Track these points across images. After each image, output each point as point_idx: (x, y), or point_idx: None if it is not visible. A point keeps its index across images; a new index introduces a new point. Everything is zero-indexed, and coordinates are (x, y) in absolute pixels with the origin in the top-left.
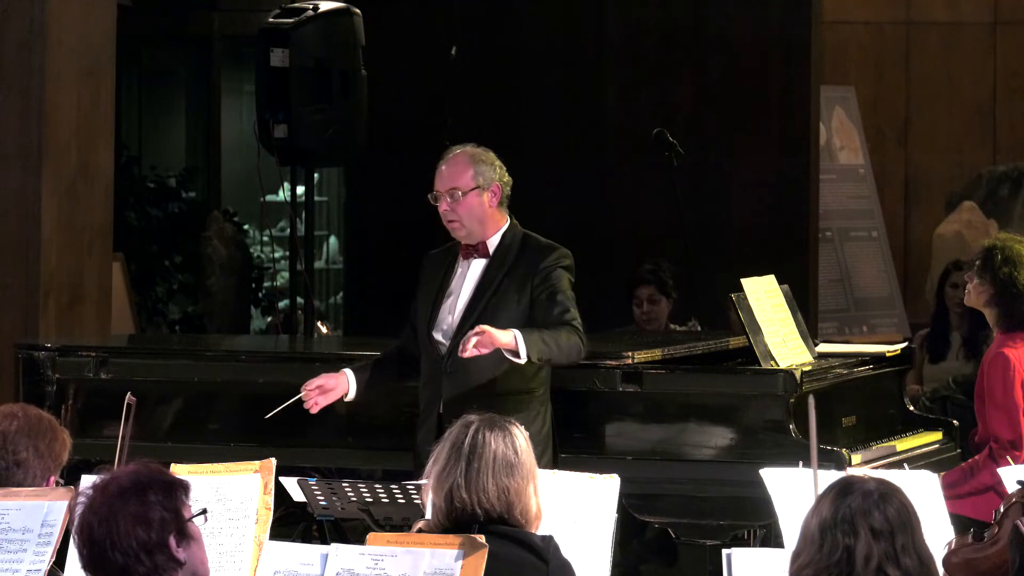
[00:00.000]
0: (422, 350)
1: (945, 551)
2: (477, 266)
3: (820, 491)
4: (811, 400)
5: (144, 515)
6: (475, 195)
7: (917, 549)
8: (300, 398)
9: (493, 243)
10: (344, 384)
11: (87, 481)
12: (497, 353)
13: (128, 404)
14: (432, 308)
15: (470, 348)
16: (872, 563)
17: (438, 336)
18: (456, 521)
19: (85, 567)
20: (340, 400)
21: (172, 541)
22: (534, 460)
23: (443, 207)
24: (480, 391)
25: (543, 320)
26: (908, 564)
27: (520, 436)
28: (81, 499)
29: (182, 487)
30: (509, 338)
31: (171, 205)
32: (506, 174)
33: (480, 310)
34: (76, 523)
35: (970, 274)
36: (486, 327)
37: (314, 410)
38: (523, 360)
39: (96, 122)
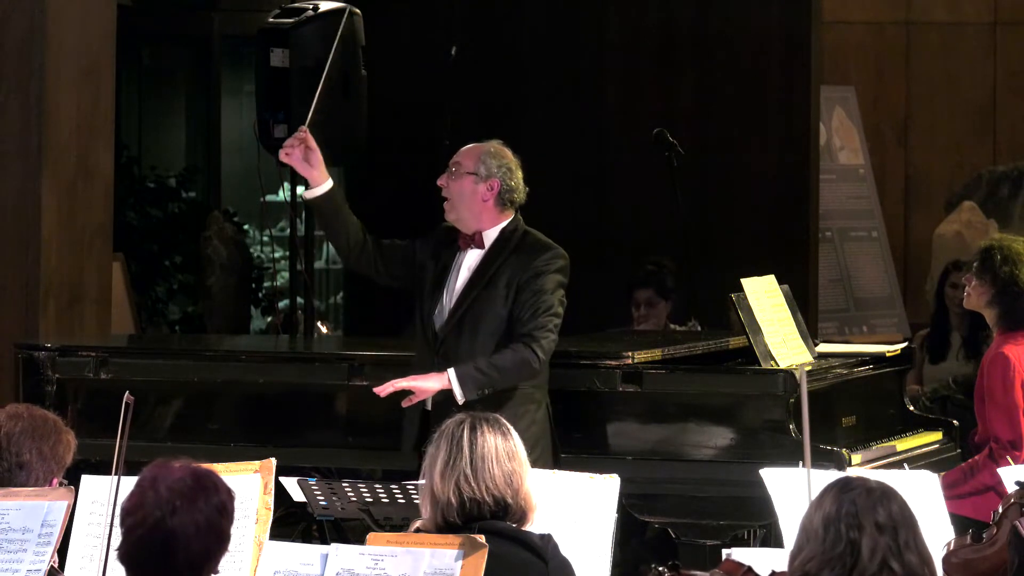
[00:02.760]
0: (418, 335)
1: (944, 552)
2: (472, 257)
3: (816, 486)
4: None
5: (223, 513)
6: (469, 180)
7: (919, 547)
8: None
9: (490, 236)
10: (320, 178)
11: (88, 481)
12: (485, 346)
13: (126, 403)
14: (429, 296)
15: (406, 398)
16: (877, 557)
17: (431, 325)
18: (466, 515)
19: (129, 551)
20: (340, 399)
21: (224, 552)
22: (526, 452)
23: (440, 180)
24: None
25: (515, 320)
26: (911, 560)
27: (511, 428)
28: (144, 480)
29: (234, 496)
30: (439, 383)
31: (171, 205)
32: (514, 179)
33: (470, 302)
34: (138, 502)
35: (968, 276)
36: (410, 381)
37: (283, 157)
38: (460, 401)
39: (96, 122)
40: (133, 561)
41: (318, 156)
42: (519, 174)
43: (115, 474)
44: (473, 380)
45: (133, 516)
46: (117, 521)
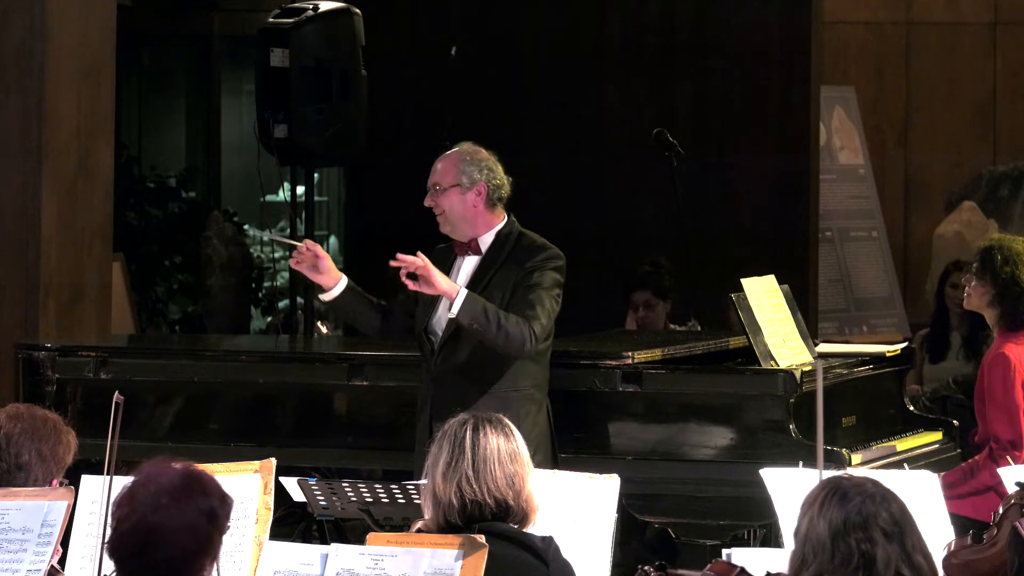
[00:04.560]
0: (418, 345)
1: (944, 553)
2: (470, 263)
3: (807, 494)
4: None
5: (211, 519)
6: (456, 193)
7: (922, 547)
8: (297, 247)
9: (486, 241)
10: (331, 281)
11: (88, 481)
12: (485, 351)
13: (116, 403)
14: (428, 305)
15: (406, 264)
16: (891, 567)
17: (431, 331)
18: (467, 516)
19: (113, 545)
20: (340, 399)
21: (209, 559)
22: (529, 453)
23: (427, 201)
24: (469, 387)
25: (509, 311)
26: (919, 562)
27: (514, 429)
28: (138, 476)
29: (229, 503)
30: (449, 287)
31: (171, 205)
32: (498, 176)
33: None
34: (128, 497)
35: (968, 277)
36: (429, 264)
37: (293, 265)
38: (451, 314)
39: (96, 122)
40: (117, 555)
41: (326, 262)
42: (500, 169)
43: (107, 474)
44: (473, 313)
45: (120, 510)
46: (109, 519)
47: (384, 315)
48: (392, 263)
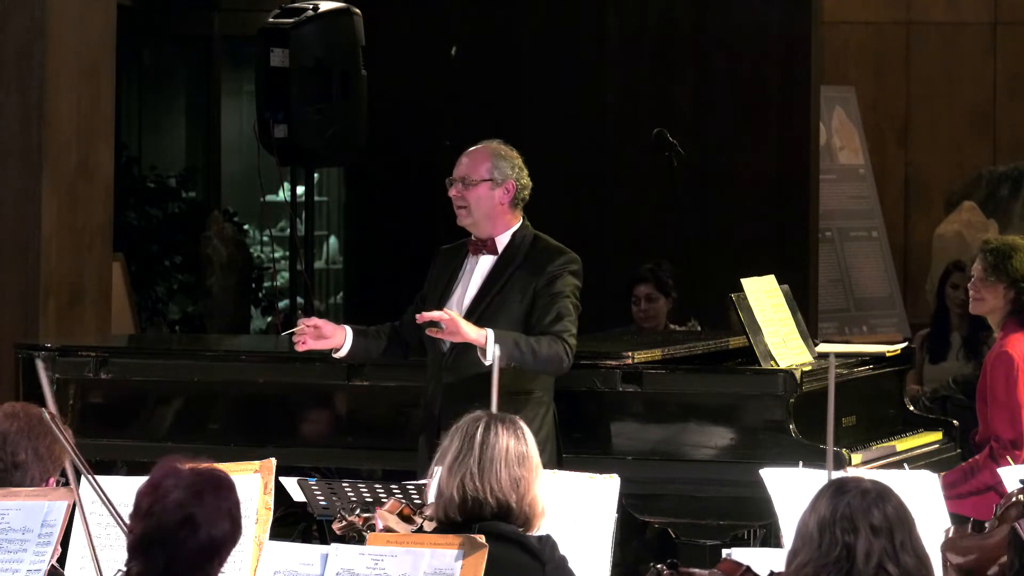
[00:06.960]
0: (426, 345)
1: (942, 539)
2: (485, 263)
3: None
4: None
5: (239, 511)
6: (486, 187)
7: (915, 548)
8: (295, 331)
9: (502, 241)
10: (340, 339)
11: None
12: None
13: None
14: (438, 304)
15: (433, 328)
16: (872, 560)
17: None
18: (467, 513)
19: (146, 532)
20: (340, 399)
21: (231, 550)
22: (539, 458)
23: (452, 192)
24: (477, 389)
25: (536, 324)
26: (907, 562)
27: (527, 432)
28: (162, 469)
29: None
30: (478, 336)
31: (171, 205)
32: (525, 177)
33: (483, 308)
34: (158, 485)
35: (975, 283)
36: (456, 316)
37: (300, 348)
38: (487, 361)
39: (96, 122)
40: (150, 542)
41: (329, 326)
42: (526, 171)
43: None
44: (509, 353)
45: (152, 496)
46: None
47: (391, 337)
48: (419, 318)
